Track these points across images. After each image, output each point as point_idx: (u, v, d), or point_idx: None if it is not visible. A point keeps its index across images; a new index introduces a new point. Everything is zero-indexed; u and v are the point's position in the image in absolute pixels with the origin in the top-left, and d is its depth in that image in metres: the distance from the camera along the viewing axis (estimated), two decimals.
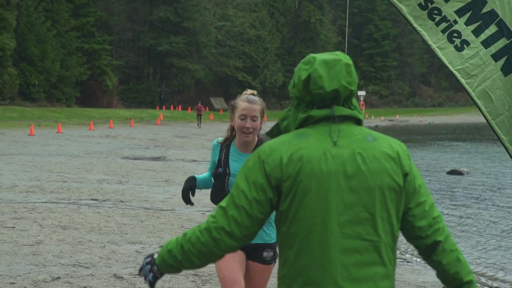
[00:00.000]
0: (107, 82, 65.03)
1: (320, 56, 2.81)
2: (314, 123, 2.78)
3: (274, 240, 4.86)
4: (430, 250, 2.81)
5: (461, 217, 15.17)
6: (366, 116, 75.05)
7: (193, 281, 7.96)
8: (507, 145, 5.17)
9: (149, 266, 2.92)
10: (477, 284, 9.45)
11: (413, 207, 2.78)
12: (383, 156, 2.73)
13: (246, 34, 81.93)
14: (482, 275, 10.24)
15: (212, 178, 4.97)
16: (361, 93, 66.58)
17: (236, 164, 4.85)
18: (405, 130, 59.96)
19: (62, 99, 59.35)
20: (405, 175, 2.75)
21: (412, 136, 50.39)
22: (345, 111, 2.78)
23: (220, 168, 4.88)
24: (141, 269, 2.96)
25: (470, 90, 5.20)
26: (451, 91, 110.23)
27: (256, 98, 4.87)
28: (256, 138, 4.91)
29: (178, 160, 25.09)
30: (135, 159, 24.42)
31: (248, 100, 4.82)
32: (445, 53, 5.20)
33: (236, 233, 2.75)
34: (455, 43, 5.18)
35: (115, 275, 8.09)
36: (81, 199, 13.98)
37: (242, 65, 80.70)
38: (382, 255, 2.71)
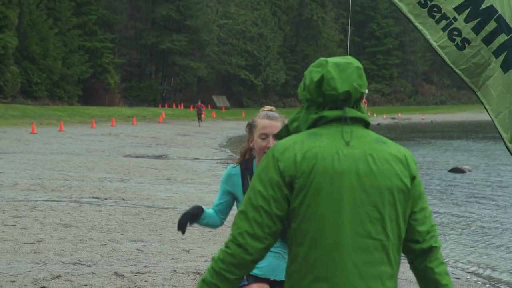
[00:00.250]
0: (109, 80, 65.00)
1: (331, 59, 2.89)
2: (325, 124, 2.84)
3: None
4: (425, 255, 2.86)
5: (461, 215, 15.17)
6: (369, 114, 74.82)
7: (194, 279, 7.94)
8: (508, 144, 5.14)
9: None
10: (480, 282, 9.46)
11: (417, 211, 2.84)
12: (392, 158, 2.79)
13: (248, 32, 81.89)
14: (483, 274, 10.25)
15: (217, 214, 4.48)
16: None
17: None
18: (407, 128, 59.91)
19: (64, 97, 59.35)
20: (413, 178, 2.82)
21: (414, 134, 50.37)
22: (356, 113, 2.84)
23: None
24: None
25: (475, 89, 5.19)
26: (454, 89, 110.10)
27: (276, 114, 4.44)
28: None
29: (180, 158, 25.11)
30: (137, 157, 24.44)
31: (268, 117, 4.39)
32: (447, 52, 5.19)
33: (259, 233, 2.77)
34: (455, 42, 5.17)
35: (116, 273, 8.09)
36: (82, 197, 13.99)
37: (244, 63, 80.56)
38: (390, 255, 2.76)
